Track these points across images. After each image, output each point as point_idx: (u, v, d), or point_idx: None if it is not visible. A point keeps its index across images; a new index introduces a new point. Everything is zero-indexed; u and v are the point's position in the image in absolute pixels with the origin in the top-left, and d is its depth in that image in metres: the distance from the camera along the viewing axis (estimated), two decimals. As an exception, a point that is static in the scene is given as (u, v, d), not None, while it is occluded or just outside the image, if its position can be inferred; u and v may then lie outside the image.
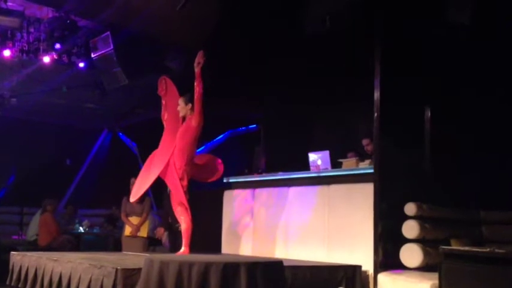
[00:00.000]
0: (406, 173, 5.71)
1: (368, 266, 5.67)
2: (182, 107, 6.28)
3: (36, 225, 10.40)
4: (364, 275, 5.69)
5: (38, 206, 10.63)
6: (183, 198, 6.11)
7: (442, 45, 5.98)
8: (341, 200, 6.26)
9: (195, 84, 6.08)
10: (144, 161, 12.12)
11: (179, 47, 8.74)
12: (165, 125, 6.56)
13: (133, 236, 8.09)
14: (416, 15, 5.85)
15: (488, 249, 4.30)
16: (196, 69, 6.10)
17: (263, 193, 7.25)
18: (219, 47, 8.23)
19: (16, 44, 8.44)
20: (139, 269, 4.37)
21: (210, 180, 6.73)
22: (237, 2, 7.30)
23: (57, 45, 8.46)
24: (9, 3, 7.91)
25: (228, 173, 7.79)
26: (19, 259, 6.09)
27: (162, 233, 8.73)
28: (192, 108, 6.21)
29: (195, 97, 6.10)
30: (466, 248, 4.68)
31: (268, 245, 6.97)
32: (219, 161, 6.71)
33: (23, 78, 9.29)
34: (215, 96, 8.55)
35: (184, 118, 6.31)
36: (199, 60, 6.13)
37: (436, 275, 4.61)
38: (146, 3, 7.44)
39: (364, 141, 7.54)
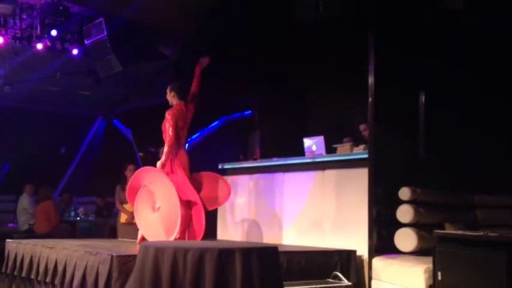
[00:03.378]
0: (400, 157, 5.73)
1: (363, 250, 5.70)
2: (168, 95, 6.26)
3: (25, 213, 10.40)
4: (359, 260, 5.73)
5: (33, 194, 10.66)
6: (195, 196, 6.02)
7: (436, 30, 5.97)
8: (336, 185, 6.27)
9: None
10: (139, 147, 12.24)
11: (174, 34, 8.70)
12: None
13: (129, 223, 8.08)
14: (409, 2, 5.83)
15: (481, 233, 4.31)
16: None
17: (258, 179, 7.26)
18: (213, 34, 8.21)
19: (9, 31, 8.36)
20: (135, 256, 4.38)
21: (216, 206, 6.59)
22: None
23: (54, 32, 8.39)
24: (2, -10, 7.86)
25: (223, 159, 7.80)
26: (14, 246, 6.10)
27: None
28: (175, 96, 6.19)
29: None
30: (460, 232, 4.70)
31: (263, 230, 7.00)
32: (226, 182, 6.41)
33: (16, 65, 9.23)
34: (210, 82, 8.56)
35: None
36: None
37: (430, 259, 4.64)
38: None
39: (362, 127, 7.54)
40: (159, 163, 5.94)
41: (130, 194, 6.16)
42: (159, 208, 5.98)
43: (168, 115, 6.08)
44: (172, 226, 5.85)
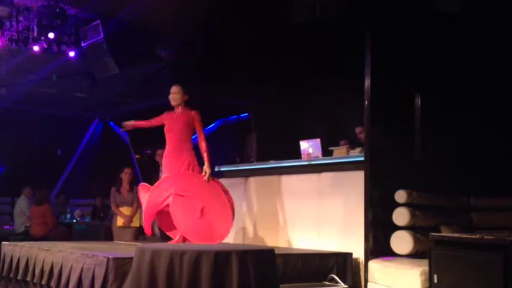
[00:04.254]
0: (396, 160, 5.73)
1: (359, 253, 5.70)
2: (181, 95, 6.06)
3: (23, 216, 10.39)
4: (355, 262, 5.73)
5: (32, 196, 10.64)
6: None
7: (433, 33, 5.99)
8: (332, 188, 6.28)
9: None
10: (135, 150, 12.23)
11: (170, 36, 8.71)
12: None
13: (126, 226, 8.06)
14: (406, 5, 5.85)
15: (477, 236, 4.32)
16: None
17: (254, 182, 7.26)
18: (210, 36, 8.22)
19: (5, 33, 8.36)
20: (131, 258, 4.37)
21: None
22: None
23: (51, 35, 8.40)
24: (-2, -8, 7.87)
25: (219, 161, 7.80)
26: (10, 249, 6.08)
27: None
28: (188, 101, 6.10)
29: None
30: (456, 235, 4.71)
31: (259, 233, 7.00)
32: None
33: (12, 67, 9.24)
34: (207, 84, 8.59)
35: (176, 106, 6.13)
36: None
37: (426, 262, 4.65)
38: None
39: (357, 130, 7.56)
40: (207, 168, 5.86)
41: (151, 209, 5.92)
42: (203, 209, 5.77)
43: (198, 116, 5.99)
44: (224, 219, 5.76)
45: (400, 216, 5.44)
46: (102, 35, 8.32)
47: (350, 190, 6.01)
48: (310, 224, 6.43)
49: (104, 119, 13.46)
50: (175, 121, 6.05)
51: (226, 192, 5.99)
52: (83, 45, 8.61)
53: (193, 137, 6.29)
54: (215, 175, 7.57)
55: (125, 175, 8.16)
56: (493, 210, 6.07)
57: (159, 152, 7.85)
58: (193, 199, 5.80)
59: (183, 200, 5.80)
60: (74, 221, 11.05)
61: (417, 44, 5.92)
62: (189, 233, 5.77)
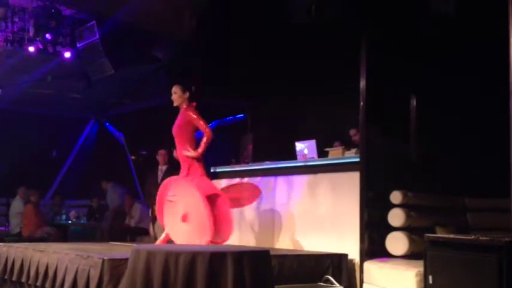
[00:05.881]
0: (392, 161, 5.74)
1: (354, 254, 5.70)
2: (179, 96, 6.05)
3: (18, 217, 10.39)
4: (350, 263, 5.73)
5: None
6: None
7: (428, 34, 6.00)
8: (327, 189, 6.28)
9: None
10: (131, 151, 12.22)
11: (166, 37, 8.70)
12: None
13: None
14: (402, 6, 5.86)
15: (472, 237, 4.32)
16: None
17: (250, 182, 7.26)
18: (205, 37, 8.22)
19: (0, 33, 8.35)
20: (126, 259, 4.36)
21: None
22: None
23: (48, 36, 8.39)
24: (-7, -7, 7.86)
25: (215, 162, 7.80)
26: (5, 250, 6.07)
27: None
28: (189, 98, 6.09)
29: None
30: (451, 236, 4.71)
31: (255, 234, 7.00)
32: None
33: (8, 68, 9.22)
34: (203, 85, 8.58)
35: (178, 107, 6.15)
36: None
37: (421, 263, 4.65)
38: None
39: (352, 132, 7.55)
40: (193, 153, 5.97)
41: (159, 213, 6.22)
42: (186, 215, 5.88)
43: (193, 115, 6.02)
44: (204, 227, 5.75)
45: (396, 217, 5.45)
46: (97, 36, 8.31)
47: (345, 191, 6.01)
48: (306, 225, 6.44)
49: (99, 120, 13.44)
50: (176, 121, 6.13)
51: (223, 204, 6.00)
52: (78, 46, 8.60)
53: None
54: (211, 176, 7.59)
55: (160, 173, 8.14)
56: (488, 211, 6.07)
57: (161, 151, 7.95)
58: (178, 205, 5.98)
59: (171, 205, 6.05)
60: (69, 222, 11.03)
61: (413, 45, 5.93)
62: (172, 234, 6.02)
